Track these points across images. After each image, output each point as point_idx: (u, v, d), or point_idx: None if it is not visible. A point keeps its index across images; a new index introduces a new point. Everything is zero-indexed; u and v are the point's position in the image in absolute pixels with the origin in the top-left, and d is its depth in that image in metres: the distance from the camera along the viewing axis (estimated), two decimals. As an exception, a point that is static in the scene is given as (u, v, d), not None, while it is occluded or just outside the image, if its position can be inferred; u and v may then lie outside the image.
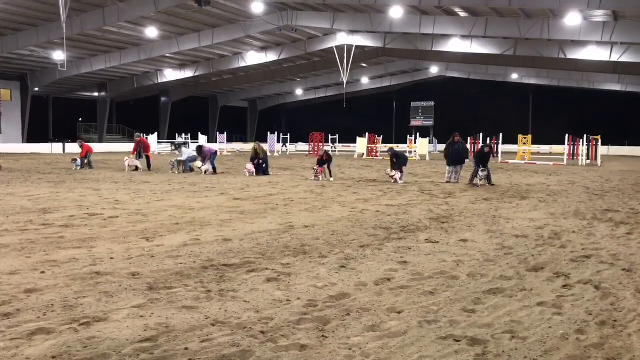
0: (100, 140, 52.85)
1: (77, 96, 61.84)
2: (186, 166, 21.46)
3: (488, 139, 35.98)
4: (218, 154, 22.69)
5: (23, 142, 47.42)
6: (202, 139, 44.24)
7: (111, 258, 6.63)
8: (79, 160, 22.68)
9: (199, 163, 21.20)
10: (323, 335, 4.24)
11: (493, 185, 16.89)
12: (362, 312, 4.80)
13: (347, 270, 6.24)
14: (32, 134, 50.73)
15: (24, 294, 5.15)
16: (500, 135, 34.90)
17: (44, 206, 11.15)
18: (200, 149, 21.73)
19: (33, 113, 51.43)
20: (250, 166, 20.74)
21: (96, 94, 57.50)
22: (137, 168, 22.03)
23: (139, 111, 64.31)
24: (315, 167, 18.75)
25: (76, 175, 19.14)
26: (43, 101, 58.07)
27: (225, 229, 8.80)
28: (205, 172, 20.54)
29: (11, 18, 33.62)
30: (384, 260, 6.80)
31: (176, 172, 20.87)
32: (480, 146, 22.17)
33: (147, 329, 4.29)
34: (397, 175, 17.79)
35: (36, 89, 50.78)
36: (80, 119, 62.25)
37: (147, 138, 32.90)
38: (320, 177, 18.52)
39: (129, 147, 35.86)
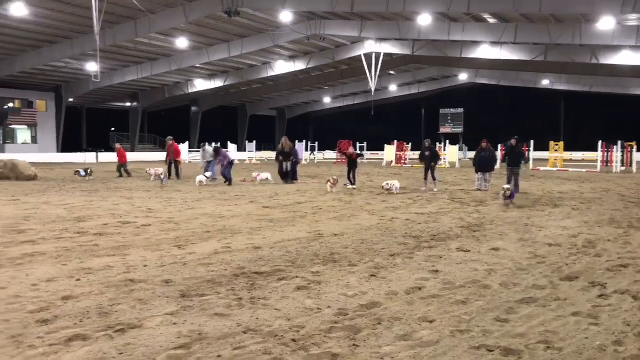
0: (133, 150, 53.70)
1: (109, 106, 63.11)
2: (213, 172, 21.01)
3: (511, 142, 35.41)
4: (234, 163, 21.30)
5: (58, 152, 48.53)
6: (232, 148, 44.62)
7: (144, 266, 6.74)
8: (82, 171, 22.16)
9: (202, 177, 19.85)
10: (354, 344, 4.24)
11: (509, 200, 13.83)
12: (394, 321, 4.78)
13: (378, 279, 6.23)
14: (66, 144, 51.92)
15: (61, 300, 5.27)
16: (532, 142, 34.40)
17: (78, 215, 11.38)
18: (217, 151, 21.07)
19: (67, 123, 52.67)
20: (255, 174, 20.66)
21: (128, 104, 58.61)
22: (161, 179, 20.42)
23: (170, 121, 65.28)
24: (331, 179, 17.35)
25: (109, 185, 19.51)
26: (77, 111, 59.42)
27: (255, 237, 8.86)
28: (200, 183, 19.33)
29: (47, 31, 34.56)
30: (414, 269, 6.77)
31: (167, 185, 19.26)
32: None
33: (181, 336, 4.35)
34: (395, 186, 16.82)
35: (70, 99, 52.01)
36: (113, 129, 63.45)
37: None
38: (335, 189, 17.02)
39: (161, 155, 36.41)
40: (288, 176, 20.97)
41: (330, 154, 52.12)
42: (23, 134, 50.46)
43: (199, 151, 27.79)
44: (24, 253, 7.44)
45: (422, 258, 7.39)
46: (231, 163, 20.47)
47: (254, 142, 48.78)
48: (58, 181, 21.59)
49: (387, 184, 17.04)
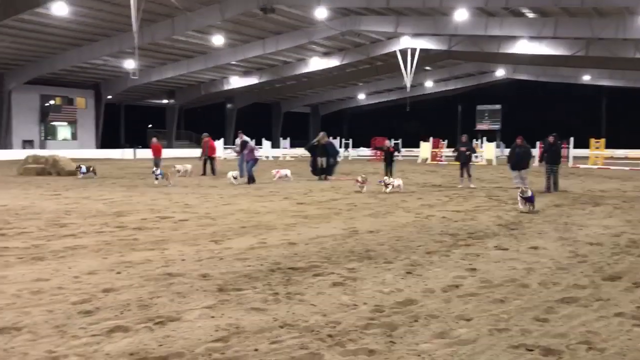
0: (170, 146, 54.57)
1: (147, 103, 64.19)
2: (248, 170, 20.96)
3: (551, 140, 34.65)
4: (258, 160, 20.33)
5: (97, 148, 49.65)
6: (266, 145, 44.91)
7: (182, 260, 6.84)
8: (83, 168, 21.10)
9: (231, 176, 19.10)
10: (391, 341, 4.22)
11: (528, 204, 12.18)
12: (430, 319, 4.74)
13: (414, 277, 6.18)
14: (105, 140, 53.09)
15: (102, 293, 5.39)
16: (572, 139, 33.61)
17: (117, 209, 11.63)
18: (244, 144, 20.14)
19: (106, 120, 53.85)
20: (274, 171, 20.17)
21: (165, 101, 59.51)
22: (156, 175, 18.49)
23: (205, 117, 66.04)
24: (360, 177, 16.31)
25: (147, 180, 19.84)
26: (115, 108, 60.60)
27: (290, 233, 8.90)
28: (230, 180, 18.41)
29: (87, 29, 35.33)
30: (451, 266, 6.69)
31: (169, 184, 17.83)
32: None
33: (219, 329, 4.40)
34: (396, 182, 15.89)
35: (109, 96, 53.11)
36: (150, 125, 64.55)
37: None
38: (365, 188, 15.89)
39: (196, 152, 36.86)
40: (323, 172, 20.85)
41: (365, 151, 51.94)
42: (63, 130, 51.73)
43: (234, 147, 28.00)
44: (65, 246, 7.64)
45: (458, 256, 7.31)
46: (255, 160, 19.59)
47: (288, 139, 48.97)
48: (97, 176, 22.07)
49: (390, 180, 16.03)
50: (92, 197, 13.99)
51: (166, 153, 34.88)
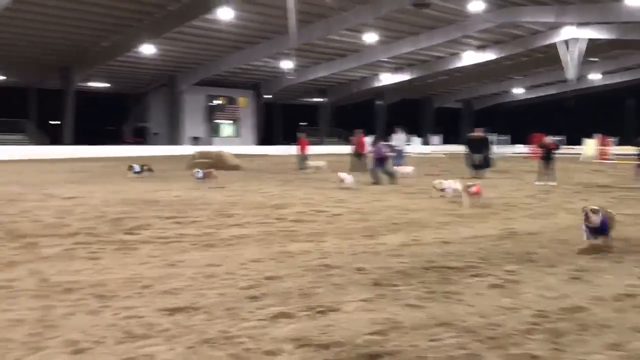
0: (321, 143, 56.38)
1: (300, 102, 66.84)
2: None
3: None
4: (386, 160, 18.20)
5: (256, 145, 52.75)
6: (416, 142, 44.53)
7: (338, 253, 7.05)
8: (136, 167, 19.71)
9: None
10: (556, 349, 4.00)
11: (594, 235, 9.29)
12: (602, 329, 4.41)
13: (581, 282, 5.78)
14: (263, 137, 56.27)
15: (266, 279, 5.73)
16: None
17: (276, 202, 12.28)
18: (374, 143, 18.91)
19: (264, 118, 57.05)
20: (341, 174, 16.62)
21: (317, 99, 61.51)
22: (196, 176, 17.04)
23: (355, 114, 67.16)
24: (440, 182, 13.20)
25: (300, 175, 20.67)
26: (272, 107, 63.88)
27: (443, 232, 8.76)
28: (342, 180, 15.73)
29: (248, 32, 37.67)
30: (624, 274, 6.15)
31: (212, 184, 16.26)
32: None
33: (376, 323, 4.47)
34: (452, 187, 12.78)
35: (267, 96, 56.16)
36: (304, 123, 67.11)
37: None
38: (469, 200, 11.74)
39: (345, 149, 37.62)
40: (478, 168, 20.23)
41: (521, 148, 49.34)
42: (227, 128, 55.69)
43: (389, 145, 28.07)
44: (232, 235, 8.24)
45: (632, 263, 6.69)
46: (382, 159, 17.78)
47: (440, 135, 48.11)
48: (256, 171, 23.50)
49: (444, 183, 13.13)
50: (252, 190, 14.91)
51: (318, 149, 36.11)
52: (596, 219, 7.06)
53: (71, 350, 3.86)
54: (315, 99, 62.32)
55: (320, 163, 23.11)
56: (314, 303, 4.96)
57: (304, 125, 66.20)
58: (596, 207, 7.24)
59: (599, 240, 7.28)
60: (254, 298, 5.09)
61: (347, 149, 29.99)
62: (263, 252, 7.08)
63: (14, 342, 4.01)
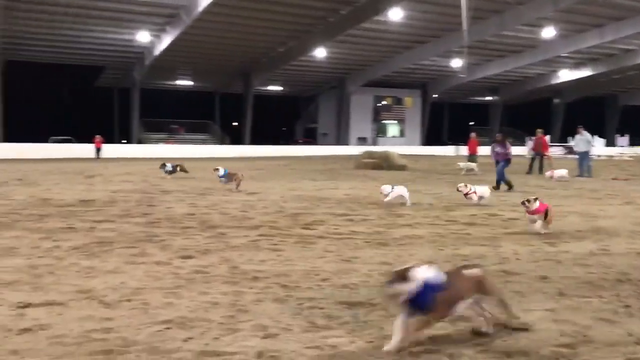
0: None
1: (469, 101, 64.94)
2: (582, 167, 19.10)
3: None
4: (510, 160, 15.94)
5: (422, 145, 52.35)
6: (600, 143, 40.93)
7: (517, 259, 6.73)
8: (168, 165, 18.95)
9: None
10: None
11: None
12: None
13: None
14: (429, 137, 55.67)
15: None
16: None
17: (446, 204, 12.07)
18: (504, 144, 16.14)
19: (430, 118, 56.39)
20: (548, 172, 15.87)
21: (488, 98, 59.28)
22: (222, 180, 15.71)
23: (529, 113, 63.59)
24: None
25: (472, 177, 20.07)
26: (439, 106, 62.90)
27: (638, 242, 7.95)
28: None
29: (417, 32, 37.50)
30: None
31: (232, 188, 14.75)
32: None
33: (563, 335, 4.20)
34: (479, 189, 11.85)
35: (434, 95, 55.44)
36: (472, 123, 65.11)
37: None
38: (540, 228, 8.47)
39: (519, 149, 35.78)
40: None
41: None
42: (392, 128, 56.00)
43: (563, 145, 26.31)
44: (403, 235, 8.27)
45: None
46: (506, 161, 15.80)
47: (626, 136, 43.72)
48: (423, 172, 23.30)
49: (467, 187, 11.91)
50: (421, 191, 14.81)
51: (488, 150, 34.76)
52: None
53: (262, 335, 4.15)
54: (485, 98, 60.11)
55: (472, 165, 22.35)
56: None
57: (472, 125, 64.30)
58: None
59: None
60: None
61: (520, 149, 28.55)
62: (436, 253, 7.00)
63: (212, 322, 4.41)
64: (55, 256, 6.64)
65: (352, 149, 41.35)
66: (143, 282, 5.56)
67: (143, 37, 36.69)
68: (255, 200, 12.52)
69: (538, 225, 8.15)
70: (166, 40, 36.59)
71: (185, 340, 4.02)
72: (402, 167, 24.37)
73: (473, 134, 25.92)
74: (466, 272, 4.27)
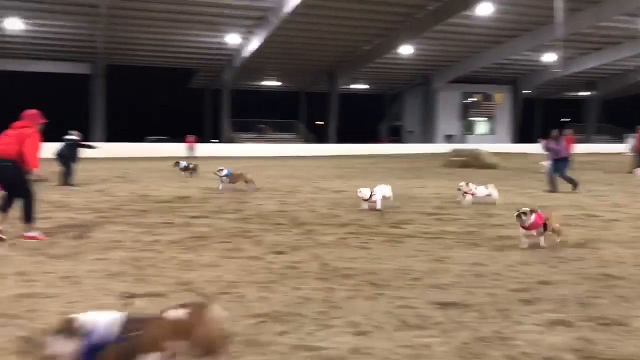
0: (587, 141, 51.50)
1: (562, 96, 61.92)
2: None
3: None
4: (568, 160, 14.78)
5: (512, 142, 50.54)
6: None
7: (620, 262, 6.39)
8: (182, 163, 19.54)
9: None
10: None
11: None
12: None
13: None
14: (520, 134, 53.62)
15: (538, 284, 5.47)
16: None
17: (539, 204, 11.59)
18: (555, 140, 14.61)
19: (522, 114, 54.30)
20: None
21: (583, 93, 56.33)
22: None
23: (630, 109, 59.74)
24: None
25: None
26: (530, 102, 60.42)
27: None
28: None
29: (508, 26, 36.24)
30: None
31: (251, 189, 14.11)
32: None
33: (674, 344, 3.95)
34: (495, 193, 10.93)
35: (525, 91, 53.34)
36: (566, 119, 62.03)
37: None
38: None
39: (619, 147, 33.79)
40: None
41: None
42: (481, 125, 54.44)
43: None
44: (496, 235, 8.05)
45: None
46: (565, 159, 14.45)
47: None
48: (514, 170, 22.53)
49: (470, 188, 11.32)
50: (513, 191, 14.31)
51: (584, 148, 33.09)
52: None
53: (354, 332, 4.20)
54: (580, 93, 57.12)
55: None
56: (595, 314, 4.58)
57: (567, 122, 61.26)
58: None
59: None
60: (526, 302, 4.90)
61: (619, 147, 26.96)
62: (532, 255, 6.76)
63: (305, 317, 4.51)
64: (156, 249, 7.03)
65: (439, 147, 40.61)
66: (238, 275, 5.77)
67: (233, 39, 37.85)
68: (341, 198, 12.62)
69: (541, 241, 7.16)
70: (254, 42, 37.53)
71: (280, 334, 4.14)
72: (492, 166, 23.66)
73: (569, 131, 24.67)
74: (170, 313, 3.13)
